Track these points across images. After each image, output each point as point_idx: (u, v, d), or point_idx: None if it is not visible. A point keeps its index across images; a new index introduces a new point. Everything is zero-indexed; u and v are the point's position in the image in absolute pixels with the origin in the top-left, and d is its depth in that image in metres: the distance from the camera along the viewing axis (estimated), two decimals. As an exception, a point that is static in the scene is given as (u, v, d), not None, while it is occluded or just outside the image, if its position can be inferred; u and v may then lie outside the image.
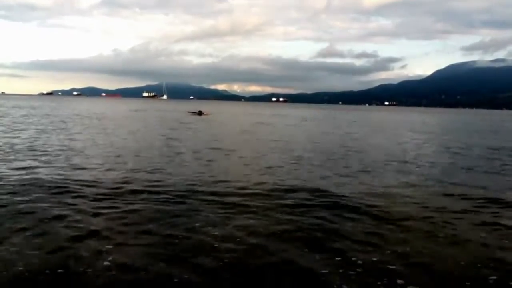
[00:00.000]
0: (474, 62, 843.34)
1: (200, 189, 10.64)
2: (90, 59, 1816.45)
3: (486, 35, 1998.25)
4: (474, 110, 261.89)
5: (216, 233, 7.30)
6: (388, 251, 6.64)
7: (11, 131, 25.42)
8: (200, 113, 61.83)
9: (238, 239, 7.03)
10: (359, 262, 6.20)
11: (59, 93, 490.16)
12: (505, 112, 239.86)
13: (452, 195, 10.90)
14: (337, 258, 6.32)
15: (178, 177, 12.20)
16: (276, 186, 11.24)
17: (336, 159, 17.52)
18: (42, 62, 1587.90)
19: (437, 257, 6.50)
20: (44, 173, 12.07)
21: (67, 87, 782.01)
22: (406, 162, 17.03)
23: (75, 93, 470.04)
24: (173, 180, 11.64)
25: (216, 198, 9.73)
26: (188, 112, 65.41)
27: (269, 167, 14.54)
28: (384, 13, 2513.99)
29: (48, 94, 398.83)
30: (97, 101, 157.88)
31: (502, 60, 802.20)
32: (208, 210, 8.72)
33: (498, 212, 9.22)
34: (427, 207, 9.50)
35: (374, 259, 6.33)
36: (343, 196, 10.23)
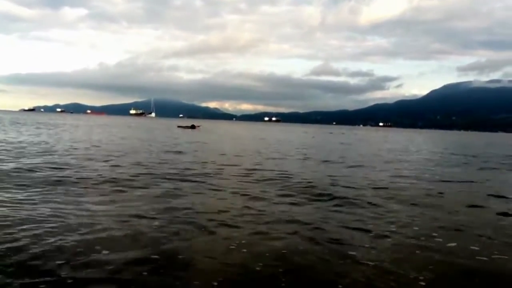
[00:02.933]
0: (469, 82, 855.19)
1: None
2: (74, 73, 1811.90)
3: (482, 56, 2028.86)
4: (468, 133, 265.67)
5: None
6: None
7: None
8: (193, 126, 71.18)
9: None
10: None
11: (42, 110, 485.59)
12: (499, 134, 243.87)
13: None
14: None
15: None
16: None
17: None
18: (24, 76, 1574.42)
19: None
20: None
21: (50, 103, 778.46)
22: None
23: (58, 109, 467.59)
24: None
25: None
26: (179, 126, 74.40)
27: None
28: (380, 32, 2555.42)
29: (30, 110, 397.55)
30: (81, 118, 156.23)
31: (498, 81, 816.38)
32: None
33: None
34: None
35: None
36: None
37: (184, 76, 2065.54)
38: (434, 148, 47.81)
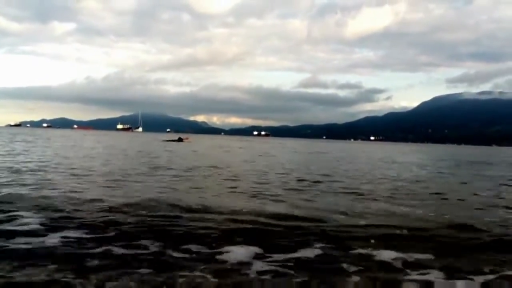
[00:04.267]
0: (460, 94, 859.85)
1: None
2: (61, 87, 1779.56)
3: (471, 67, 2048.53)
4: (463, 147, 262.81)
5: None
6: None
7: None
8: (180, 139, 72.61)
9: None
10: None
11: (28, 125, 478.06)
12: (494, 148, 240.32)
13: None
14: None
15: None
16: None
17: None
18: (10, 90, 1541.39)
19: None
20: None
21: (36, 118, 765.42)
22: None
23: (45, 124, 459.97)
24: None
25: None
26: (164, 140, 76.03)
27: None
28: (367, 44, 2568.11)
29: (16, 125, 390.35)
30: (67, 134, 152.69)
31: (489, 92, 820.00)
32: None
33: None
34: None
35: None
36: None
37: (171, 89, 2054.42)
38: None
